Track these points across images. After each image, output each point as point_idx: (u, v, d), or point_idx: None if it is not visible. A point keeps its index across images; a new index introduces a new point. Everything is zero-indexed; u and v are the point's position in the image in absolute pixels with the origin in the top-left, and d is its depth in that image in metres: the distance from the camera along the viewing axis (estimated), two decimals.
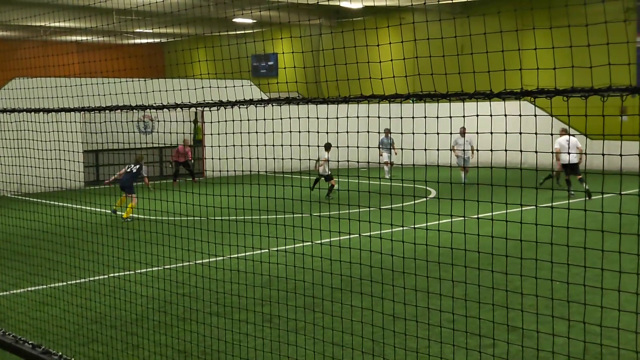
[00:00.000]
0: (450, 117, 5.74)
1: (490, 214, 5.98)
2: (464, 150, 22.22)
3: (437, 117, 5.30)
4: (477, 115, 4.94)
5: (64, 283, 10.76)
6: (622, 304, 6.79)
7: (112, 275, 10.84)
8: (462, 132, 22.49)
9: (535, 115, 4.36)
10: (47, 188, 19.85)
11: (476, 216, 5.91)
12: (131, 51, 40.88)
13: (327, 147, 20.22)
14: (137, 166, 18.45)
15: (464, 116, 5.43)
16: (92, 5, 22.86)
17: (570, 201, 16.64)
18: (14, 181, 21.27)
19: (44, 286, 10.75)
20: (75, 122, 23.69)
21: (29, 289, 10.67)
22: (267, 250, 10.58)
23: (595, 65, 4.29)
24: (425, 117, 5.71)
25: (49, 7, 26.25)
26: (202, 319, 8.69)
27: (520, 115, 4.45)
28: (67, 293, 10.13)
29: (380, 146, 25.53)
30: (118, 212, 17.78)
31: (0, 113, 11.00)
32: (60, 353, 4.34)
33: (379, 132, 25.32)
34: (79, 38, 38.24)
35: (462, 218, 5.68)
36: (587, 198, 17.86)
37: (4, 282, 10.97)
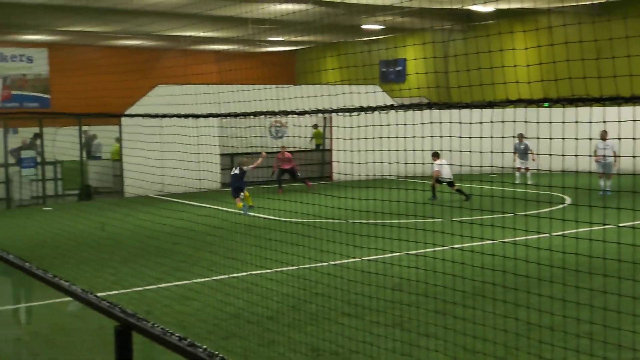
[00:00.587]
0: (596, 122, 5.49)
1: (632, 222, 5.71)
2: (604, 155, 20.91)
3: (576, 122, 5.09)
4: (619, 122, 4.71)
5: (205, 279, 11.10)
6: None
7: (249, 272, 11.09)
8: (603, 137, 21.06)
9: None
10: (187, 188, 20.66)
11: (617, 225, 5.65)
12: (265, 59, 41.75)
13: (435, 155, 20.19)
14: (239, 169, 19.25)
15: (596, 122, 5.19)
16: (231, 15, 23.54)
17: None
18: (157, 181, 22.21)
19: (186, 281, 11.12)
20: (212, 126, 24.52)
21: (173, 283, 11.07)
22: (399, 253, 10.51)
23: None
24: (573, 122, 5.50)
25: (190, 18, 27.19)
26: (334, 319, 8.74)
27: None
28: (209, 288, 10.44)
29: (515, 152, 24.72)
30: (249, 213, 18.18)
31: (145, 118, 11.48)
32: (205, 346, 4.42)
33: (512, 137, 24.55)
34: (217, 47, 39.40)
35: (603, 227, 5.42)
36: None
37: (150, 276, 11.42)
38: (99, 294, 5.74)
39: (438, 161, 20.71)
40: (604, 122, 5.84)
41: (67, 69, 34.19)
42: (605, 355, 6.45)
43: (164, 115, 8.96)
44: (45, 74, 36.87)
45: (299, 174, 25.81)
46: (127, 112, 22.74)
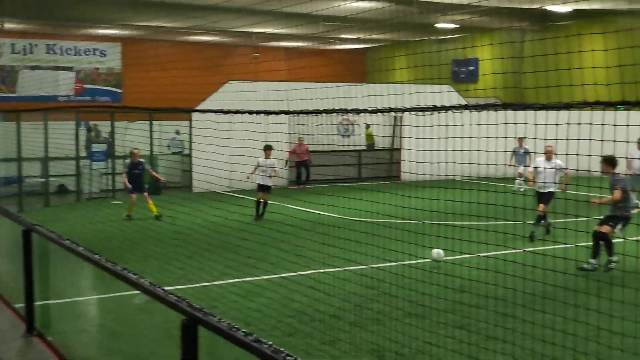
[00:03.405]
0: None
1: None
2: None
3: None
4: None
5: (271, 275, 11.21)
6: None
7: (315, 270, 11.16)
8: None
9: None
10: (254, 185, 20.91)
11: None
12: (335, 57, 41.89)
13: (269, 148, 18.47)
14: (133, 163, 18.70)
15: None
16: (304, 12, 23.73)
17: None
18: (225, 177, 22.58)
19: (252, 277, 11.26)
20: (282, 123, 24.84)
21: (239, 279, 11.21)
22: (465, 255, 10.42)
23: None
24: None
25: (264, 14, 27.48)
26: (399, 318, 8.73)
27: None
28: (274, 284, 10.54)
29: (513, 156, 23.62)
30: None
31: (215, 114, 11.66)
32: (270, 342, 4.48)
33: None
34: (287, 44, 39.69)
35: None
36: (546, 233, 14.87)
37: (217, 270, 11.60)
38: (166, 288, 5.87)
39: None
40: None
41: (140, 63, 34.98)
42: None
43: (235, 112, 9.08)
44: (117, 68, 37.82)
45: (309, 170, 25.81)
46: (197, 108, 23.11)
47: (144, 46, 36.53)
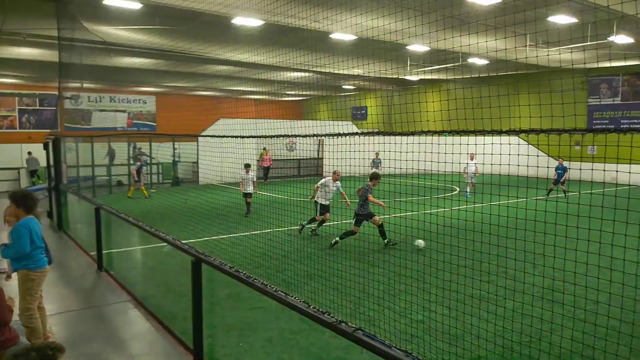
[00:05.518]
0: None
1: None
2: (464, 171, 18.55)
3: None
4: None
5: (244, 233, 10.99)
6: None
7: (269, 230, 10.93)
8: (471, 157, 18.70)
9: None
10: (235, 179, 20.59)
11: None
12: (283, 105, 41.69)
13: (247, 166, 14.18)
14: None
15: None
16: (263, 78, 23.43)
17: None
18: (217, 175, 22.10)
19: (234, 235, 11.02)
20: (252, 143, 24.52)
21: (225, 235, 10.95)
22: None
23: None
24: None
25: (238, 79, 27.07)
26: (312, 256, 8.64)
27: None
28: (248, 237, 10.29)
29: (371, 165, 21.73)
30: None
31: (211, 138, 11.46)
32: (245, 272, 4.45)
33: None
34: (255, 97, 39.30)
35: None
36: None
37: (213, 231, 11.35)
38: (183, 241, 5.77)
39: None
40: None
41: (167, 107, 34.02)
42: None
43: (223, 136, 8.99)
44: (153, 110, 36.74)
45: (268, 172, 25.76)
46: (202, 134, 22.64)
47: (170, 97, 35.61)
